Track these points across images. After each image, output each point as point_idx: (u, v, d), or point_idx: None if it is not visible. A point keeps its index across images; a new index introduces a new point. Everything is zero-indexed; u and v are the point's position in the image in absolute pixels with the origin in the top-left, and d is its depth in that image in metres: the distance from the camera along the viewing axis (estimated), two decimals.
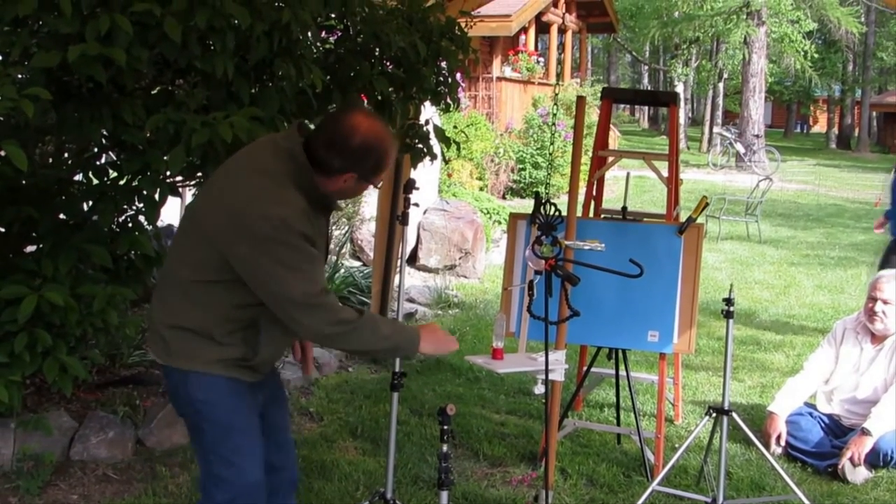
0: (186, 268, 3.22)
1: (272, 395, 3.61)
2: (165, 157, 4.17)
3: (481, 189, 16.11)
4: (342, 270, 9.19)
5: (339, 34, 5.14)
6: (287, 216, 3.03)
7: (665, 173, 5.73)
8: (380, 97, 5.13)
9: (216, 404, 3.30)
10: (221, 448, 3.33)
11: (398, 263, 5.72)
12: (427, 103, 5.72)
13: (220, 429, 3.33)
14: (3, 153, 3.77)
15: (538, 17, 23.33)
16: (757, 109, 32.02)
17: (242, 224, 3.03)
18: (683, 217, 5.45)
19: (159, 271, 3.49)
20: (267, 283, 3.07)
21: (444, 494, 3.64)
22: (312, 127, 3.33)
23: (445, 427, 3.62)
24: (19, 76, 3.87)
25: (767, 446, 5.61)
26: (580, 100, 5.36)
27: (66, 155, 4.86)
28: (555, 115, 9.21)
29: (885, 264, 8.36)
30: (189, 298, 3.22)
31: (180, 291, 3.24)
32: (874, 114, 49.79)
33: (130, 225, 4.81)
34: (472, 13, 5.89)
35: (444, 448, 3.65)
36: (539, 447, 5.56)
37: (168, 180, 4.49)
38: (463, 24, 5.52)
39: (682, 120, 38.01)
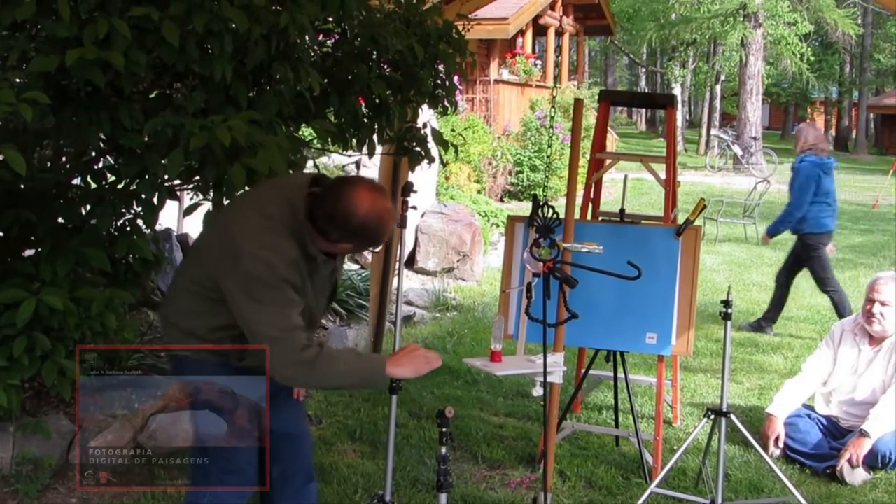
0: (190, 280, 3.43)
1: (278, 387, 3.65)
2: (164, 161, 4.17)
3: (479, 192, 16.13)
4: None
5: (337, 37, 5.14)
6: (275, 263, 3.20)
7: (663, 175, 5.74)
8: (377, 100, 5.14)
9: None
10: None
11: (396, 266, 5.72)
12: (424, 106, 5.73)
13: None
14: (1, 157, 3.78)
15: (535, 19, 23.36)
16: (754, 111, 32.04)
17: (235, 260, 3.21)
18: (681, 219, 5.46)
19: (176, 270, 3.65)
20: (244, 316, 3.24)
21: (443, 497, 3.66)
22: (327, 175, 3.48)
23: (444, 429, 3.65)
24: (17, 80, 3.87)
25: (766, 448, 5.61)
26: (577, 103, 5.37)
27: (64, 159, 4.86)
28: (552, 117, 9.20)
29: (797, 261, 9.32)
30: (188, 304, 3.42)
31: (183, 296, 3.45)
32: (871, 115, 49.82)
33: (129, 229, 4.81)
34: (470, 16, 5.91)
35: (443, 450, 3.68)
36: (538, 449, 5.57)
37: (166, 184, 4.49)
38: (460, 27, 5.52)
39: (679, 122, 38.03)
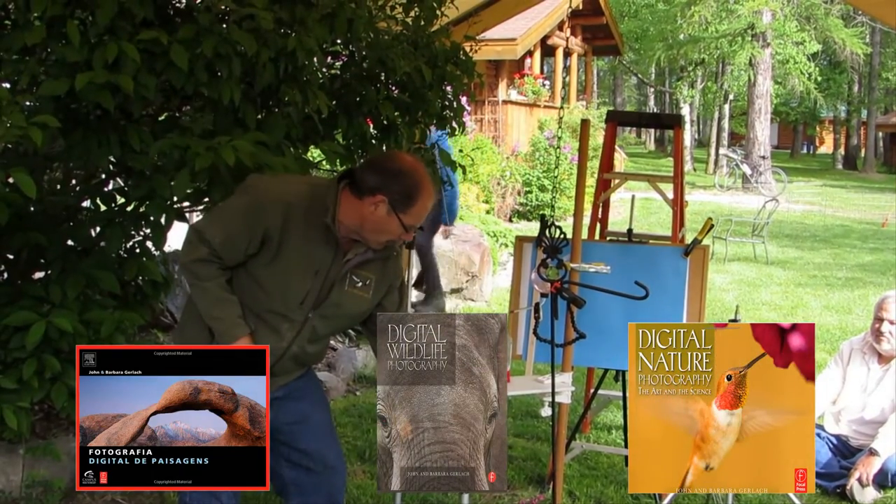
0: None
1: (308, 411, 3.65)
2: (172, 182, 4.19)
3: (488, 212, 16.14)
4: None
5: (345, 59, 5.17)
6: (261, 182, 3.37)
7: (670, 195, 5.75)
8: (385, 122, 5.17)
9: None
10: None
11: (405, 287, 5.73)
12: (433, 127, 5.75)
13: None
14: (11, 180, 3.81)
15: (543, 40, 23.42)
16: (763, 131, 32.09)
17: None
18: (689, 239, 5.46)
19: None
20: None
21: (465, 497, 3.67)
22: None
23: None
24: (28, 104, 3.91)
25: None
26: (584, 123, 5.38)
27: (73, 182, 4.89)
28: (559, 137, 9.23)
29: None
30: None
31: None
32: (880, 134, 49.80)
33: (138, 250, 4.84)
34: (477, 37, 5.93)
35: None
36: (547, 470, 5.56)
37: (175, 206, 4.52)
38: (468, 49, 5.55)
39: (687, 142, 38.07)
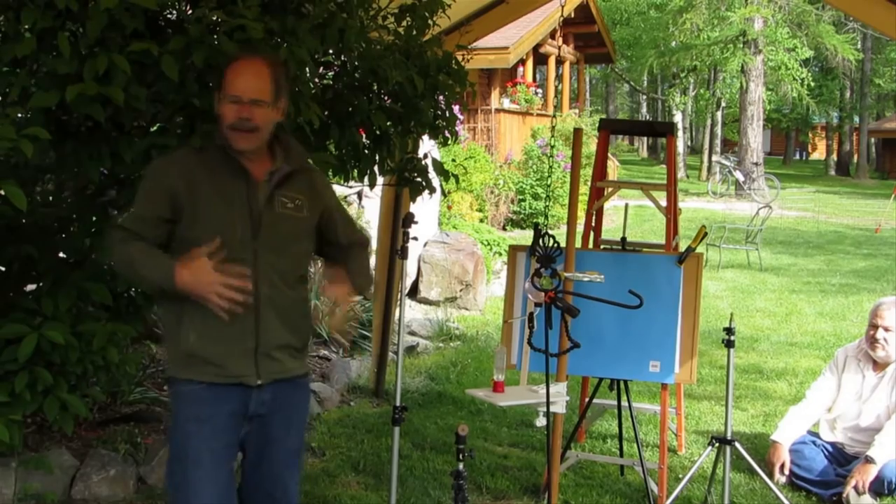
0: None
1: (270, 433, 3.52)
2: None
3: (481, 221, 16.14)
4: None
5: (337, 70, 5.16)
6: (152, 165, 3.53)
7: (664, 203, 5.74)
8: (378, 131, 5.15)
9: (175, 412, 3.45)
10: (174, 461, 3.41)
11: (399, 297, 5.72)
12: (425, 137, 5.74)
13: (176, 439, 3.42)
14: (2, 193, 3.79)
15: (536, 48, 23.46)
16: (755, 137, 32.11)
17: None
18: (683, 246, 5.46)
19: None
20: None
21: None
22: None
23: (461, 446, 3.87)
24: (18, 116, 3.89)
25: (771, 475, 5.59)
26: (577, 132, 5.38)
27: (65, 193, 4.87)
28: (552, 146, 9.24)
29: None
30: None
31: None
32: (872, 140, 49.91)
33: None
34: (469, 46, 5.92)
35: (461, 466, 3.89)
36: (542, 479, 5.54)
37: None
38: (460, 58, 5.54)
39: (680, 149, 38.14)
